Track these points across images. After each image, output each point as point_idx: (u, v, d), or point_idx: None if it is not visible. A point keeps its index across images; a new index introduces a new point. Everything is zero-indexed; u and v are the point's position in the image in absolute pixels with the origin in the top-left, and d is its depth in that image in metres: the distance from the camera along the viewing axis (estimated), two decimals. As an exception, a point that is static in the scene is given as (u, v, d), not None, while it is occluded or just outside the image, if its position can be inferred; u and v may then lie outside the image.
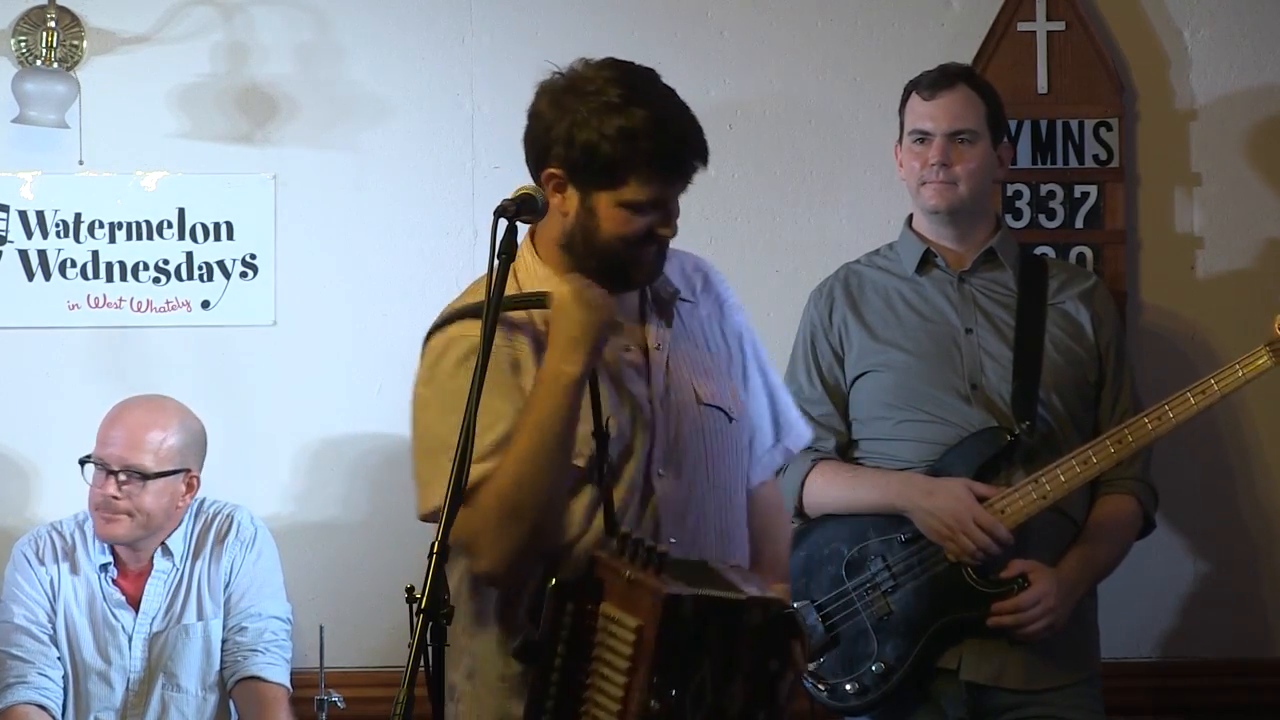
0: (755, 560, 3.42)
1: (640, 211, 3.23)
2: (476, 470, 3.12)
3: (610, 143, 3.18)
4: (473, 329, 3.18)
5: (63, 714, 4.61)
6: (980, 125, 4.30)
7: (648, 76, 3.25)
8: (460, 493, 3.10)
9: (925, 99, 4.30)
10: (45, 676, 4.58)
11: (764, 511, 3.50)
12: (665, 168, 3.22)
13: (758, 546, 3.45)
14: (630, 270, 3.29)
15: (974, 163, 4.29)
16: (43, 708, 4.57)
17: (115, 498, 4.55)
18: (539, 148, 3.25)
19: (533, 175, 3.32)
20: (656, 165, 3.21)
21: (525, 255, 3.31)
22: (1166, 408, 4.07)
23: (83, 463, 4.56)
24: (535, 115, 3.25)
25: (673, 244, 3.61)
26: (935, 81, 4.32)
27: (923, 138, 4.30)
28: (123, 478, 4.54)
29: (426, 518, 3.22)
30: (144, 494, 4.56)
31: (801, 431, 3.54)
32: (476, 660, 3.32)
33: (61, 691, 4.62)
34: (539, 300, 3.21)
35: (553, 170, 3.23)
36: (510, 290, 3.22)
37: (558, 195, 3.24)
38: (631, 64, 3.32)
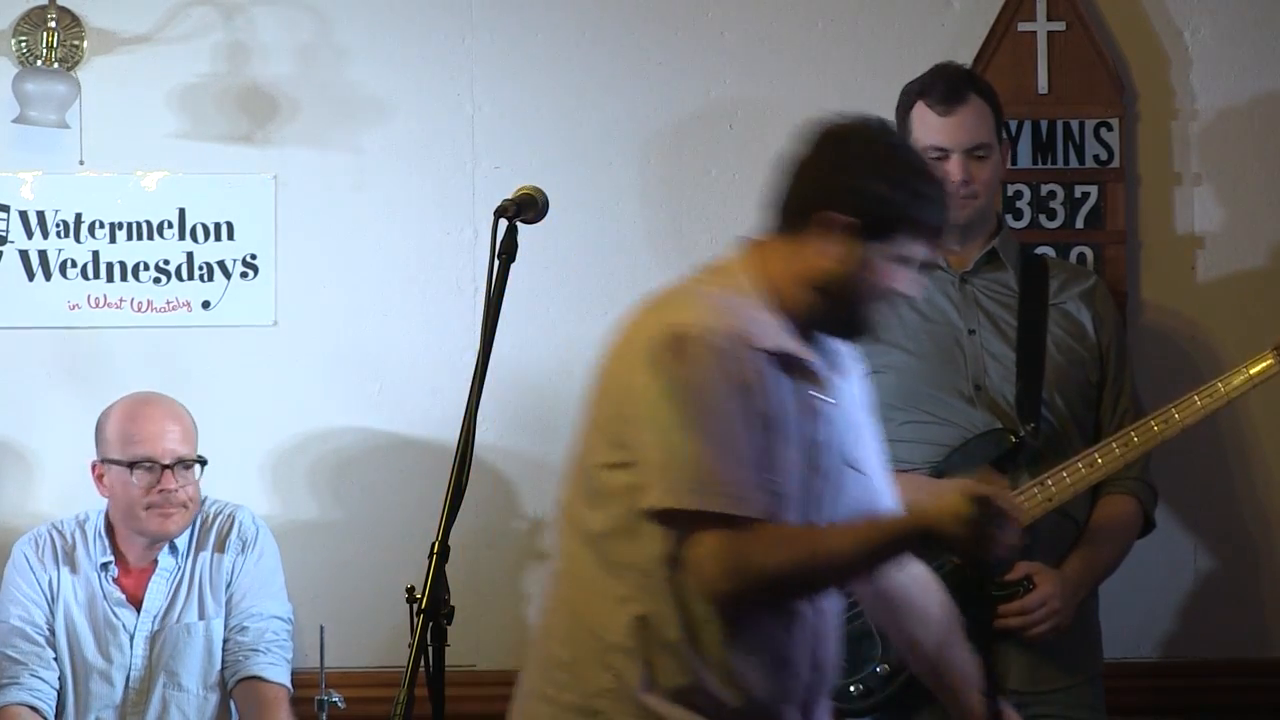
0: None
1: (908, 268, 3.25)
2: (742, 503, 3.07)
3: (909, 200, 3.22)
4: (730, 342, 3.14)
5: (62, 713, 4.62)
6: (993, 136, 4.33)
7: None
8: (460, 494, 3.11)
9: (940, 114, 4.30)
10: (38, 678, 4.60)
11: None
12: (940, 230, 3.27)
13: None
14: (869, 324, 3.32)
15: (989, 173, 4.32)
16: (35, 709, 4.59)
17: (175, 491, 4.61)
18: (819, 189, 3.24)
19: (789, 213, 3.28)
20: (936, 227, 3.26)
21: (744, 285, 3.27)
22: (1173, 410, 4.10)
23: (131, 466, 4.60)
24: (818, 158, 3.25)
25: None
26: (948, 95, 4.31)
27: (940, 155, 4.29)
28: (177, 469, 4.62)
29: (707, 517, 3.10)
30: (190, 483, 4.64)
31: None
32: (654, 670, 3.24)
33: (55, 693, 4.64)
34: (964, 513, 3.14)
35: (836, 215, 3.22)
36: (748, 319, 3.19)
37: (823, 239, 3.23)
38: (888, 123, 3.41)
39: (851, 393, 3.42)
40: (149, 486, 4.59)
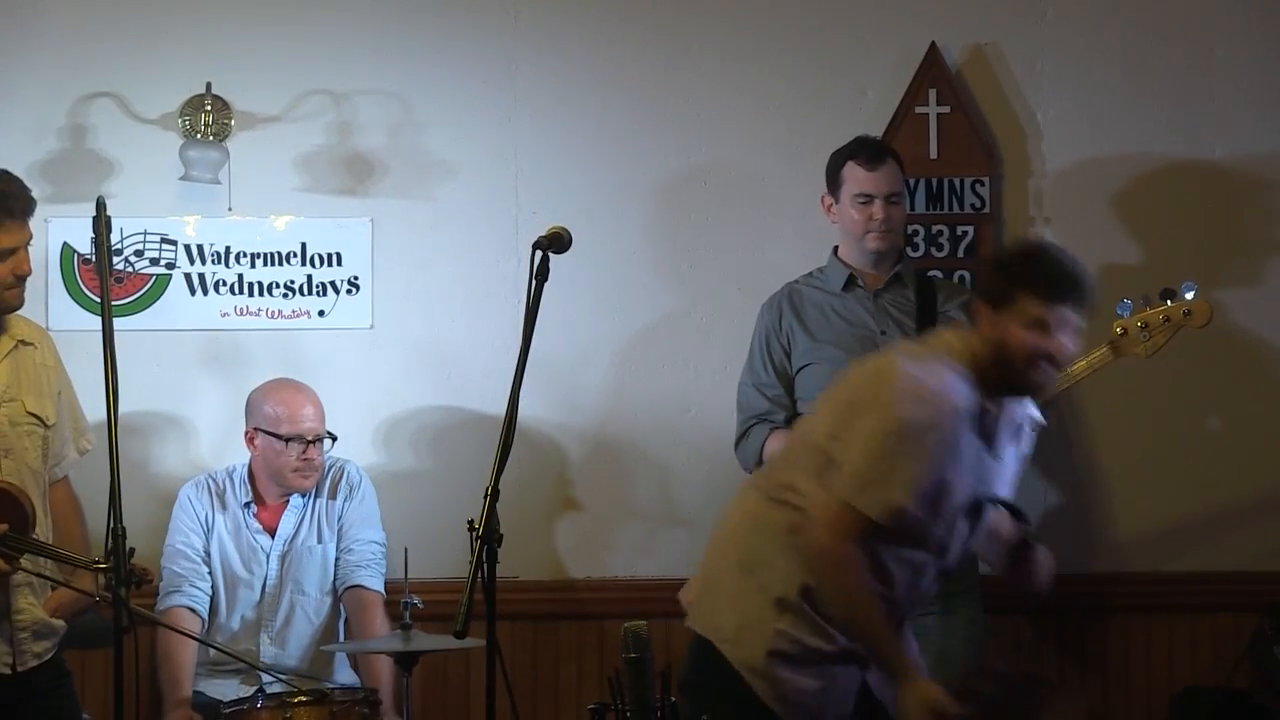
0: None
1: (1043, 329, 3.61)
2: (888, 504, 3.51)
3: (1018, 267, 3.67)
4: (943, 401, 3.53)
5: (214, 613, 5.11)
6: (902, 187, 4.97)
7: None
8: (507, 452, 3.51)
9: (867, 170, 4.85)
10: (196, 588, 5.11)
11: None
12: (1057, 285, 3.63)
13: None
14: (1029, 384, 3.68)
15: (900, 212, 4.95)
16: (193, 610, 5.11)
17: (314, 460, 5.10)
18: (977, 289, 3.64)
19: (969, 311, 3.72)
20: (1049, 283, 3.61)
21: (960, 357, 3.68)
22: None
23: (287, 440, 5.04)
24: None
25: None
26: (873, 157, 4.85)
27: (867, 200, 4.86)
28: (317, 443, 5.09)
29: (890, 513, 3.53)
30: (322, 454, 5.15)
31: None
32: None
33: (208, 598, 5.10)
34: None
35: (978, 300, 3.68)
36: None
37: (982, 323, 3.68)
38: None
39: (1015, 450, 3.76)
40: (298, 456, 5.08)
